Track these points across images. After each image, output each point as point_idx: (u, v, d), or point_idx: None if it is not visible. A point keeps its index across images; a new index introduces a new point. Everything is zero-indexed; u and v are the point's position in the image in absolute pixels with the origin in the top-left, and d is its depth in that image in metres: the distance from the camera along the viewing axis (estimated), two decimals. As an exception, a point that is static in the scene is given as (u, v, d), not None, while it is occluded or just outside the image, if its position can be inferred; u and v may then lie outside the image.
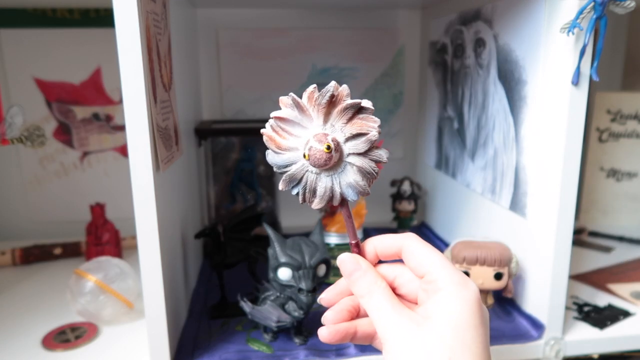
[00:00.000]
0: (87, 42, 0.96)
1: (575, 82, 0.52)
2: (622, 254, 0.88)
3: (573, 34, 0.50)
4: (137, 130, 0.47)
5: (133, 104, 0.46)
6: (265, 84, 1.04)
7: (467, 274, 0.59)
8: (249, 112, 1.05)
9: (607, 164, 1.04)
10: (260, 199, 1.00)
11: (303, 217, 1.06)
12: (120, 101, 1.00)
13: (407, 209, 0.96)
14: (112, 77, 0.99)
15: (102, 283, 0.61)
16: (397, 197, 0.97)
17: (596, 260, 0.85)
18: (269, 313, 0.57)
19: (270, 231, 0.58)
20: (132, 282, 0.65)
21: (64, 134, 1.00)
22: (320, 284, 0.57)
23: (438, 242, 0.92)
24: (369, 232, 1.01)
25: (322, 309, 0.67)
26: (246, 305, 0.58)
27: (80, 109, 1.00)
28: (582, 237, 0.96)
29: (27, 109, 0.98)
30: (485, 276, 0.59)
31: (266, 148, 0.34)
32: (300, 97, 0.33)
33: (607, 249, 0.90)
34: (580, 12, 0.49)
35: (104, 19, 0.96)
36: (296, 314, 0.57)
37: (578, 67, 0.51)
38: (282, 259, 0.55)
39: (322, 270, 0.56)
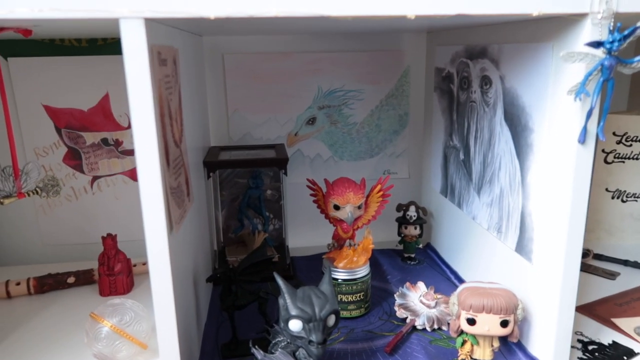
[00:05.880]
0: (95, 68, 0.97)
1: (582, 141, 0.52)
2: (627, 280, 0.89)
3: (580, 99, 0.50)
4: (151, 198, 0.48)
5: (148, 180, 0.47)
6: (271, 107, 1.05)
7: (473, 320, 0.60)
8: (255, 135, 1.06)
9: (612, 185, 1.05)
10: (267, 222, 1.01)
11: (309, 239, 1.08)
12: (128, 126, 1.01)
13: (412, 234, 0.97)
14: (120, 102, 0.99)
15: (117, 328, 0.63)
16: (403, 221, 0.98)
17: (600, 287, 0.86)
18: (280, 361, 0.58)
19: (280, 282, 0.59)
20: (146, 325, 0.66)
21: (74, 159, 1.01)
22: (329, 333, 0.58)
23: (443, 267, 0.94)
24: (375, 255, 1.02)
25: (335, 353, 0.68)
26: (258, 353, 0.60)
27: (89, 134, 1.01)
28: (587, 261, 0.96)
29: (36, 136, 1.00)
30: (491, 323, 0.60)
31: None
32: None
33: (611, 275, 0.91)
34: (588, 76, 0.49)
35: (111, 46, 0.96)
36: (307, 361, 0.58)
37: (585, 127, 0.52)
38: (293, 312, 0.56)
39: (331, 320, 0.58)
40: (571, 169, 0.54)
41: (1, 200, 0.57)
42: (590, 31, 0.50)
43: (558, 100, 0.56)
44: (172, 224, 0.52)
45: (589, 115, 0.51)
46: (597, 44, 0.48)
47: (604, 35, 0.49)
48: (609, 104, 0.51)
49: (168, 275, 0.50)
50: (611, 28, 0.48)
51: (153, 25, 0.49)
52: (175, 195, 0.54)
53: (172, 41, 0.59)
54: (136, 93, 0.45)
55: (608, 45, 0.48)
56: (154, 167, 0.46)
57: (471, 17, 0.52)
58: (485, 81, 0.74)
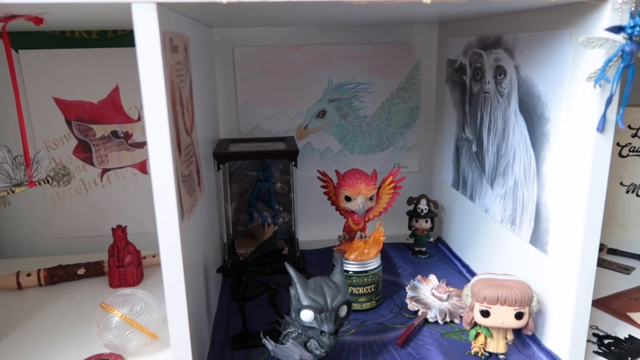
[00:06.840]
0: (105, 61, 0.96)
1: (601, 129, 0.51)
2: (642, 274, 0.88)
3: (600, 86, 0.49)
4: (163, 184, 0.47)
5: (159, 167, 0.46)
6: (281, 100, 1.04)
7: (487, 312, 0.59)
8: (265, 128, 1.05)
9: (627, 179, 1.03)
10: (277, 215, 1.00)
11: (318, 232, 1.07)
12: (138, 119, 1.01)
13: (423, 227, 0.96)
14: (130, 95, 0.99)
15: (127, 318, 0.63)
16: (414, 215, 0.97)
17: (615, 281, 0.85)
18: (292, 352, 0.58)
19: (292, 272, 0.58)
20: (157, 315, 0.66)
21: (84, 151, 1.01)
22: (341, 324, 0.58)
23: (454, 260, 0.93)
24: (385, 249, 1.01)
25: (346, 345, 0.68)
26: (269, 344, 0.59)
27: (100, 127, 1.01)
28: (601, 255, 0.95)
29: (47, 128, 1.00)
30: (505, 315, 0.59)
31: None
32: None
33: (626, 270, 0.89)
34: (608, 61, 0.48)
35: (121, 38, 0.96)
36: (318, 352, 0.58)
37: (604, 115, 0.51)
38: (305, 302, 0.56)
39: (343, 311, 0.57)
40: (589, 158, 0.53)
41: (12, 188, 0.57)
42: (610, 16, 0.49)
43: (576, 88, 0.55)
44: (183, 211, 0.51)
45: (608, 102, 0.50)
46: (617, 29, 0.47)
47: (624, 20, 0.48)
48: (629, 91, 0.49)
49: (179, 264, 0.50)
50: (632, 13, 0.47)
51: (165, 12, 0.48)
52: (187, 183, 0.53)
53: (183, 29, 0.58)
54: (148, 78, 0.44)
55: (629, 31, 0.47)
56: (165, 153, 0.46)
57: (487, 3, 0.51)
58: (500, 71, 0.73)
